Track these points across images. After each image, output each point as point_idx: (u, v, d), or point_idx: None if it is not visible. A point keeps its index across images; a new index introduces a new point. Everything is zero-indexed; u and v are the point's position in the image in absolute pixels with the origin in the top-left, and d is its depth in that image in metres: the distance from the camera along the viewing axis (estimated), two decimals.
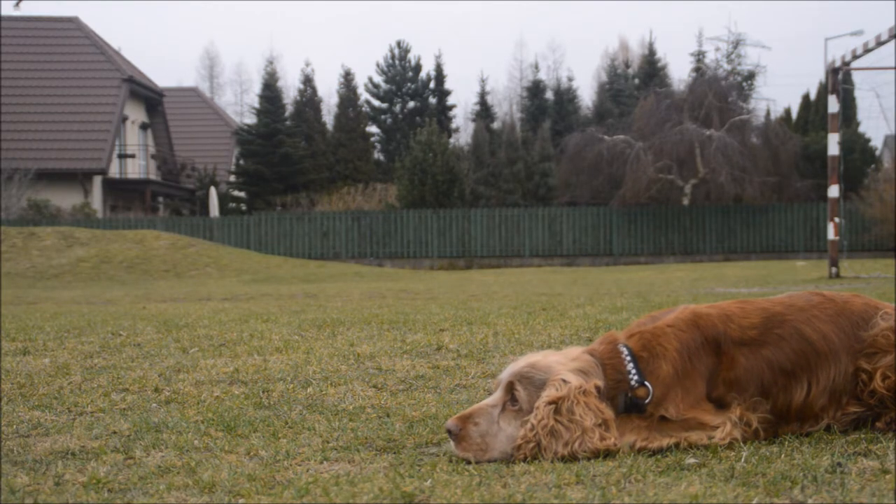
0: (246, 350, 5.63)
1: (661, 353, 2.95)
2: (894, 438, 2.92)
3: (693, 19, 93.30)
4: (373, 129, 47.46)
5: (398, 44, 48.29)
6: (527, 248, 33.60)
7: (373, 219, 33.87)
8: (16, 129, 38.66)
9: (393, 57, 48.10)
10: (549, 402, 2.78)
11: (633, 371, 2.92)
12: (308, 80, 46.32)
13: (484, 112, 47.01)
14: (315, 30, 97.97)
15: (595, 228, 33.74)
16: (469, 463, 2.77)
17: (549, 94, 47.45)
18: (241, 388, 4.25)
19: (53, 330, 7.09)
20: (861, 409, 3.05)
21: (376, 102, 48.00)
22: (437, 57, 48.62)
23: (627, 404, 2.92)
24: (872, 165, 38.47)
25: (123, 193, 41.88)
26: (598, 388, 2.86)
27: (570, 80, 49.15)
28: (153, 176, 43.93)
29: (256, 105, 44.68)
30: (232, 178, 45.43)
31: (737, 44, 44.96)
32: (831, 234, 16.65)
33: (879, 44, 14.63)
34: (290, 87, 61.41)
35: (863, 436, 2.97)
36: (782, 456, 2.73)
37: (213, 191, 38.27)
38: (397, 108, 47.79)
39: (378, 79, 48.03)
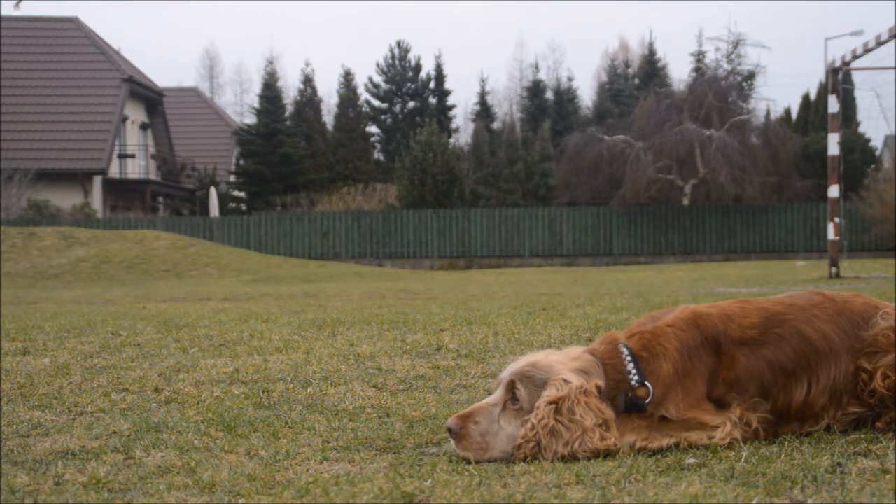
0: (246, 350, 5.63)
1: (662, 353, 2.95)
2: (894, 438, 2.92)
3: (693, 19, 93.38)
4: (373, 129, 47.47)
5: (398, 44, 48.31)
6: (527, 248, 33.60)
7: (373, 219, 33.87)
8: (16, 129, 38.66)
9: (393, 57, 48.10)
10: (550, 402, 2.78)
11: (634, 371, 2.92)
12: (308, 80, 46.32)
13: (484, 112, 47.02)
14: (315, 30, 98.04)
15: (595, 228, 33.74)
16: (469, 462, 2.77)
17: (549, 94, 47.46)
18: (241, 388, 4.25)
19: (53, 330, 7.09)
20: (861, 409, 3.05)
21: (376, 102, 48.01)
22: (437, 57, 48.67)
23: (628, 404, 2.92)
24: (872, 165, 38.47)
25: (123, 193, 41.88)
26: (598, 387, 2.86)
27: (570, 80, 49.18)
28: (153, 176, 43.94)
29: (256, 105, 44.69)
30: (232, 178, 45.43)
31: (737, 44, 44.98)
32: (831, 234, 16.65)
33: (879, 44, 14.63)
34: (290, 87, 61.49)
35: (863, 436, 2.97)
36: (782, 456, 2.73)
37: (213, 191, 38.28)
38: (397, 108, 47.79)
39: (378, 79, 48.05)
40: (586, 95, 55.72)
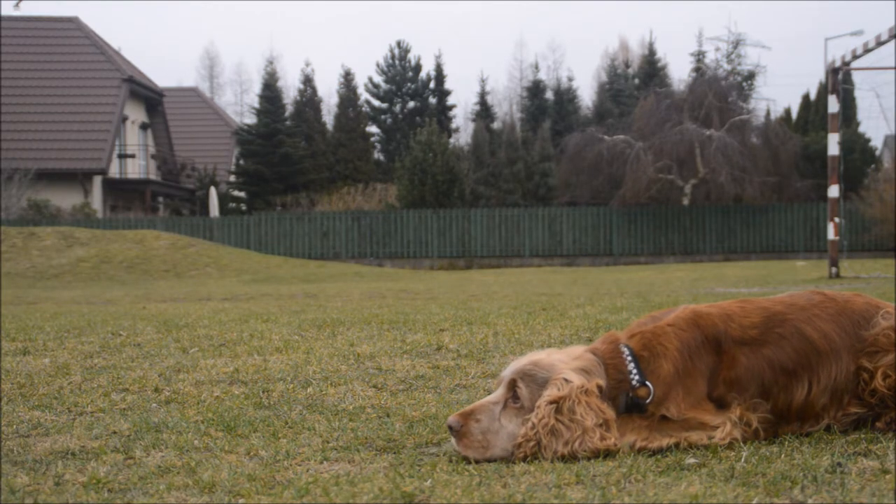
0: (246, 350, 5.63)
1: (662, 353, 2.95)
2: (894, 438, 2.92)
3: (693, 19, 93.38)
4: (373, 129, 47.47)
5: (398, 44, 48.32)
6: (527, 248, 33.60)
7: (373, 219, 33.87)
8: (16, 129, 38.66)
9: (393, 57, 48.11)
10: (551, 402, 2.78)
11: (635, 371, 2.92)
12: (308, 80, 46.32)
13: (484, 112, 47.02)
14: (315, 30, 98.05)
15: (595, 228, 33.74)
16: (469, 462, 2.77)
17: (549, 94, 47.46)
18: (241, 388, 4.25)
19: (53, 330, 7.09)
20: (862, 408, 3.05)
21: (376, 102, 48.01)
22: (437, 57, 48.67)
23: (629, 404, 2.91)
24: (872, 165, 38.47)
25: (123, 193, 41.88)
26: (599, 387, 2.86)
27: (570, 80, 49.19)
28: (153, 176, 43.93)
29: (256, 105, 44.69)
30: (232, 178, 45.43)
31: (737, 44, 44.98)
32: (831, 234, 16.65)
33: (879, 44, 14.63)
34: (290, 87, 61.47)
35: (863, 436, 2.97)
36: (782, 456, 2.73)
37: (213, 191, 38.28)
38: (397, 108, 47.80)
39: (378, 79, 48.06)
40: (586, 95, 55.79)
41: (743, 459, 2.68)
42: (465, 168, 38.32)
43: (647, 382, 2.90)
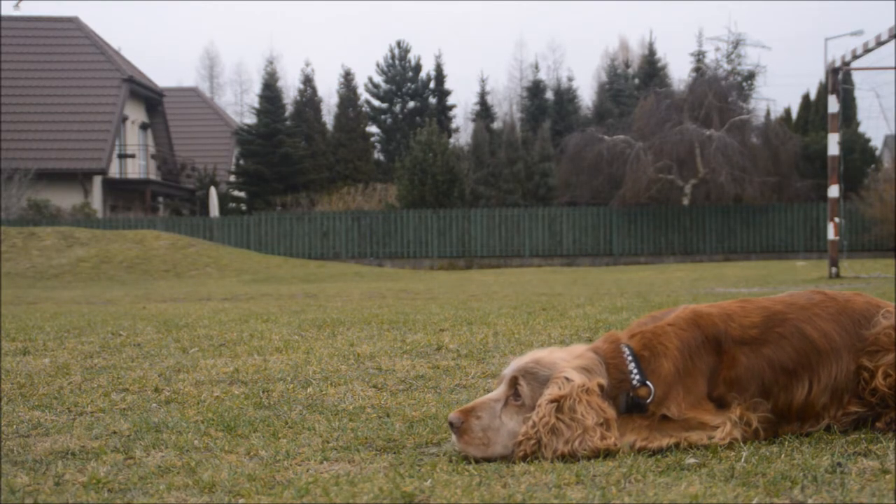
0: (246, 350, 5.63)
1: (663, 352, 2.95)
2: (894, 438, 2.92)
3: (693, 19, 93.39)
4: (373, 129, 47.47)
5: (398, 44, 48.32)
6: (527, 248, 33.60)
7: (373, 219, 33.87)
8: (16, 129, 38.66)
9: (393, 57, 48.11)
10: (552, 400, 2.78)
11: (635, 371, 2.92)
12: (308, 80, 46.33)
13: (484, 112, 47.02)
14: (315, 30, 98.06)
15: (595, 228, 33.74)
16: (469, 458, 2.77)
17: (549, 94, 47.46)
18: (241, 388, 4.25)
19: (53, 330, 7.08)
20: (862, 408, 3.05)
21: (376, 102, 48.01)
22: (437, 57, 48.68)
23: (629, 404, 2.91)
24: (872, 165, 38.47)
25: (123, 193, 41.88)
26: (601, 386, 2.86)
27: (570, 80, 49.20)
28: (153, 176, 43.94)
29: (256, 105, 44.69)
30: (232, 178, 45.44)
31: (737, 44, 44.99)
32: (831, 234, 16.65)
33: (879, 44, 14.63)
34: (290, 87, 61.48)
35: (863, 436, 2.97)
36: (782, 456, 2.73)
37: (213, 191, 38.28)
38: (397, 108, 47.80)
39: (378, 79, 48.06)
40: (586, 95, 55.79)
41: (743, 459, 2.68)
42: (465, 168, 38.33)
43: (648, 382, 2.90)
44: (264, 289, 17.78)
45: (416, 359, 5.10)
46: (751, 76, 44.87)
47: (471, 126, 45.78)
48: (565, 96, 47.14)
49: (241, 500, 2.41)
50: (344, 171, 43.28)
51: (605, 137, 34.85)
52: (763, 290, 12.65)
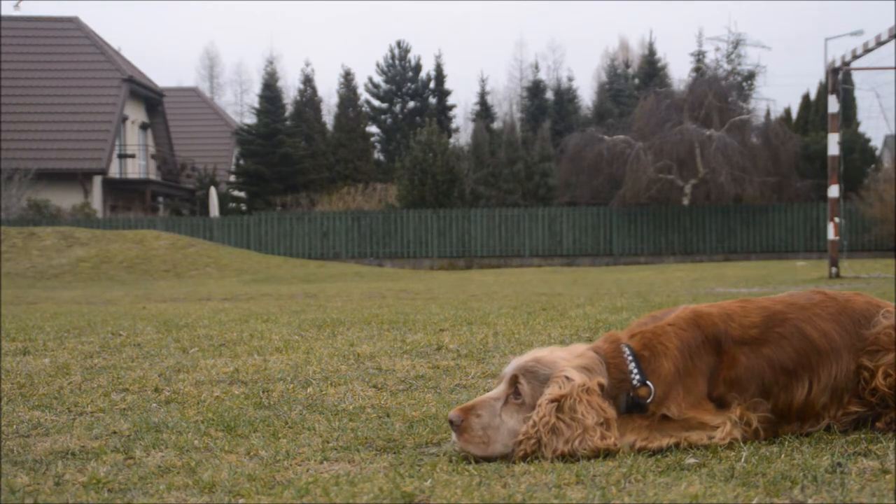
0: (246, 350, 5.63)
1: (663, 352, 2.95)
2: (894, 438, 2.92)
3: (693, 19, 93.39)
4: (373, 129, 47.48)
5: (398, 44, 48.32)
6: (527, 248, 33.60)
7: (373, 219, 33.87)
8: (16, 129, 38.66)
9: (393, 57, 48.11)
10: (552, 400, 2.78)
11: (636, 371, 2.92)
12: (308, 80, 46.33)
13: (484, 112, 47.02)
14: (315, 30, 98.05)
15: (595, 228, 33.74)
16: (469, 462, 2.77)
17: (549, 94, 47.46)
18: (241, 388, 4.24)
19: (53, 330, 7.08)
20: (862, 408, 3.05)
21: (376, 102, 48.01)
22: (437, 57, 48.68)
23: (629, 404, 2.91)
24: (872, 165, 38.47)
25: (123, 193, 41.88)
26: (601, 385, 2.86)
27: (570, 80, 49.20)
28: (153, 176, 43.94)
29: (256, 105, 44.69)
30: (232, 178, 45.44)
31: (737, 44, 44.99)
32: (831, 234, 16.65)
33: (879, 44, 14.63)
34: (290, 87, 61.47)
35: (863, 436, 2.97)
36: (782, 456, 2.73)
37: (213, 191, 38.28)
38: (397, 108, 47.80)
39: (378, 79, 48.06)
40: (586, 95, 55.78)
41: (743, 459, 2.68)
42: (465, 168, 38.33)
43: (648, 382, 2.90)
44: (264, 289, 17.78)
45: (416, 359, 5.10)
46: (751, 76, 44.88)
47: (471, 126, 45.78)
48: (565, 96, 47.14)
49: (241, 500, 2.41)
50: (344, 171, 43.28)
51: (605, 137, 34.85)
52: (763, 290, 12.65)
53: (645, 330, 3.03)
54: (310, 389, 4.17)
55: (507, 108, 53.21)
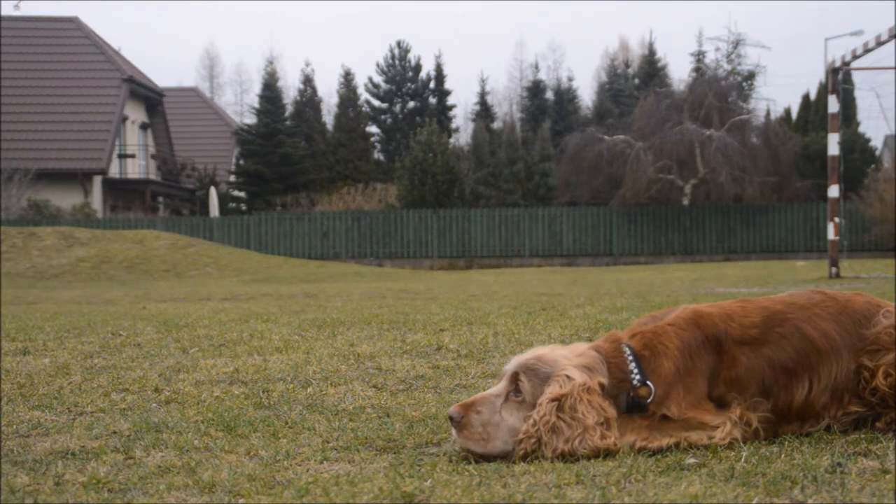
0: (246, 350, 5.63)
1: (663, 352, 2.95)
2: (894, 438, 2.92)
3: (693, 19, 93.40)
4: (373, 129, 47.48)
5: (398, 44, 48.32)
6: (527, 248, 33.60)
7: (373, 219, 33.87)
8: (16, 129, 38.66)
9: (393, 57, 48.11)
10: (553, 399, 2.78)
11: (636, 371, 2.92)
12: (308, 80, 46.32)
13: (484, 112, 47.02)
14: (315, 30, 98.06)
15: (595, 228, 33.74)
16: (469, 462, 2.77)
17: (549, 94, 47.46)
18: (241, 388, 4.24)
19: (53, 330, 7.08)
20: (863, 408, 3.05)
21: (376, 102, 48.01)
22: (437, 57, 48.68)
23: (630, 404, 2.91)
24: (872, 165, 38.47)
25: (123, 193, 41.88)
26: (601, 385, 2.86)
27: (570, 80, 49.20)
28: (153, 176, 43.94)
29: (256, 105, 44.69)
30: (232, 178, 45.44)
31: (737, 44, 44.98)
32: (831, 234, 16.65)
33: (879, 44, 14.63)
34: (290, 87, 61.48)
35: (863, 436, 2.97)
36: (782, 456, 2.73)
37: (213, 191, 38.28)
38: (397, 108, 47.79)
39: (378, 79, 48.06)
40: (586, 95, 55.78)
41: (743, 459, 2.68)
42: (465, 168, 38.33)
43: (648, 382, 2.90)
44: (264, 289, 17.78)
45: (416, 359, 5.10)
46: (751, 76, 44.87)
47: (471, 126, 45.78)
48: (565, 96, 47.14)
49: (241, 500, 2.41)
50: (344, 171, 43.28)
51: (605, 137, 34.85)
52: (763, 290, 12.64)
53: (645, 330, 3.03)
54: (310, 389, 4.17)
55: (507, 108, 53.26)
